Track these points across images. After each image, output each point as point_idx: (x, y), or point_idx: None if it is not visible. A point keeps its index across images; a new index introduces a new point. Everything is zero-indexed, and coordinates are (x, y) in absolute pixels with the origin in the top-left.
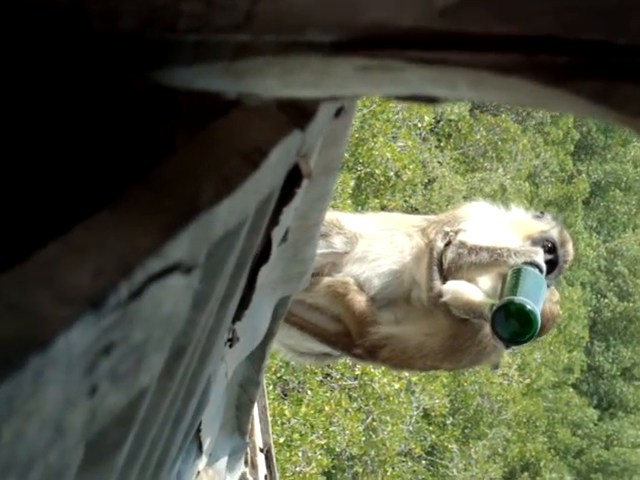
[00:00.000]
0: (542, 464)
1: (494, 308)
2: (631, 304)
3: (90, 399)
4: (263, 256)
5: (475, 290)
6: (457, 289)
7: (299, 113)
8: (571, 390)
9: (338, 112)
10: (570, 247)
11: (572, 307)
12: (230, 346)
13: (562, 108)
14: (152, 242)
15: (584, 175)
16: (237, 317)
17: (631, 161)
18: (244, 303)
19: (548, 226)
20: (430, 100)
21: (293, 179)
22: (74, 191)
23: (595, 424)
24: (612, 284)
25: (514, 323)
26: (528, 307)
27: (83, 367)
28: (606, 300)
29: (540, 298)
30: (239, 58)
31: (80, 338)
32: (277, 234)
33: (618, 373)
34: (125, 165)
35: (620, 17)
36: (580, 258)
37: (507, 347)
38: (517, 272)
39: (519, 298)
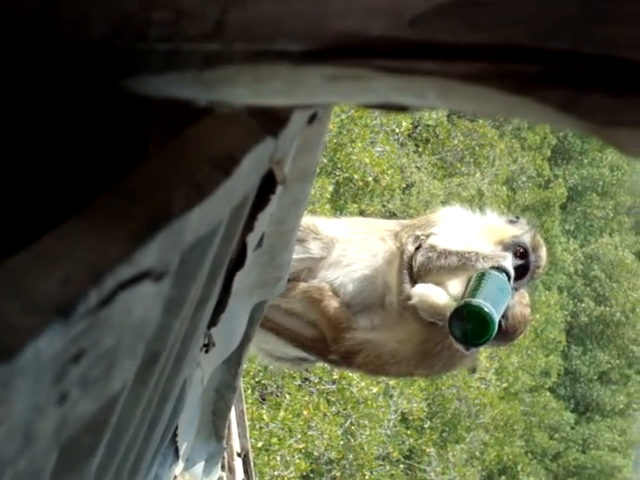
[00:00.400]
0: (519, 467)
1: (451, 310)
2: (608, 308)
3: (60, 407)
4: (238, 261)
5: (441, 293)
6: (424, 292)
7: (271, 120)
8: (548, 394)
9: (312, 119)
10: (543, 252)
11: (549, 311)
12: (206, 351)
13: (530, 117)
14: (122, 250)
15: (561, 180)
16: (213, 322)
17: (608, 166)
18: (220, 308)
19: (521, 231)
20: (400, 109)
21: (267, 185)
22: (44, 199)
23: (572, 428)
24: (589, 288)
25: (470, 325)
26: (485, 310)
27: (52, 375)
28: (583, 304)
29: (501, 302)
30: (209, 67)
31: (49, 346)
32: (252, 240)
33: (595, 377)
34: (98, 173)
35: (586, 26)
36: (557, 262)
37: (467, 349)
38: (480, 276)
39: (476, 300)
